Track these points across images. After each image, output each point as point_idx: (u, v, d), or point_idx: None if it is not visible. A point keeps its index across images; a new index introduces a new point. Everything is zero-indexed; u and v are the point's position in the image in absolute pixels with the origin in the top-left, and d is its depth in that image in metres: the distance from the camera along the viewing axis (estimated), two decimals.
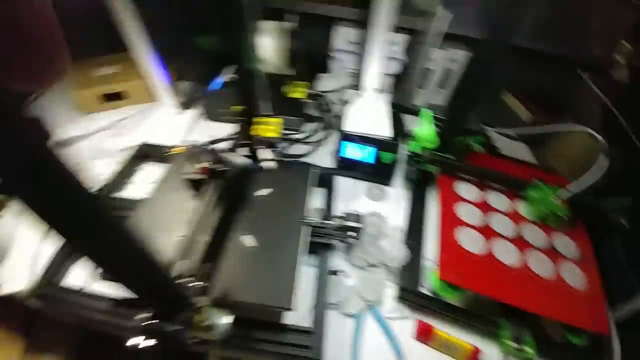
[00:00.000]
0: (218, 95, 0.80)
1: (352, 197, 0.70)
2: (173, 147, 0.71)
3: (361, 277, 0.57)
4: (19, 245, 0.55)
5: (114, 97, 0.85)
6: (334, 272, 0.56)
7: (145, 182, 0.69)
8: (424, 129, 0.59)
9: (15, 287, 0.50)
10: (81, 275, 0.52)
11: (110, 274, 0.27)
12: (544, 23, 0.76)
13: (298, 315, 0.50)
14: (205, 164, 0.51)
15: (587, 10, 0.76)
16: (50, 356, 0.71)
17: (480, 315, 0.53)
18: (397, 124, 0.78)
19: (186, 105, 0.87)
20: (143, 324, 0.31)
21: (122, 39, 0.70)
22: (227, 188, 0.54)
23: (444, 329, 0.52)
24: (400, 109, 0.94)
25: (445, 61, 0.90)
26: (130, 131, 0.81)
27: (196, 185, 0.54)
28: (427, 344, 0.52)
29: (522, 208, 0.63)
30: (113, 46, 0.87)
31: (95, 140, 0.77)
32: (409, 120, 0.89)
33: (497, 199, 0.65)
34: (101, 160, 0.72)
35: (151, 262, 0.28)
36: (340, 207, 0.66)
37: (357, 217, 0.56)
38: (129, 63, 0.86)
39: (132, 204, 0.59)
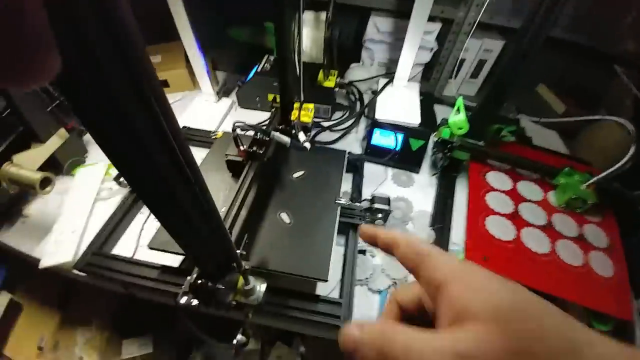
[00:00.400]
0: (252, 85, 0.84)
1: (379, 182, 0.72)
2: (216, 132, 0.77)
3: (387, 257, 0.59)
4: (63, 221, 0.60)
5: None
6: (363, 252, 0.59)
7: None
8: (456, 115, 0.60)
9: (60, 258, 0.54)
10: (128, 246, 0.58)
11: (176, 235, 0.30)
12: (580, 15, 0.74)
13: (328, 288, 0.53)
14: (244, 147, 0.55)
15: (623, 4, 0.73)
16: (84, 329, 0.79)
17: None
18: (427, 112, 0.79)
19: (222, 94, 0.92)
20: (191, 282, 0.35)
21: (163, 31, 0.75)
22: (264, 169, 0.58)
23: None
24: (431, 98, 0.94)
25: (479, 51, 0.88)
26: None
27: (235, 166, 0.58)
28: None
29: (552, 197, 0.63)
30: (158, 36, 0.94)
31: None
32: (439, 109, 0.89)
33: (527, 188, 0.64)
34: None
35: (217, 223, 0.31)
36: (368, 192, 0.69)
37: (385, 200, 0.59)
38: (170, 53, 0.92)
39: None
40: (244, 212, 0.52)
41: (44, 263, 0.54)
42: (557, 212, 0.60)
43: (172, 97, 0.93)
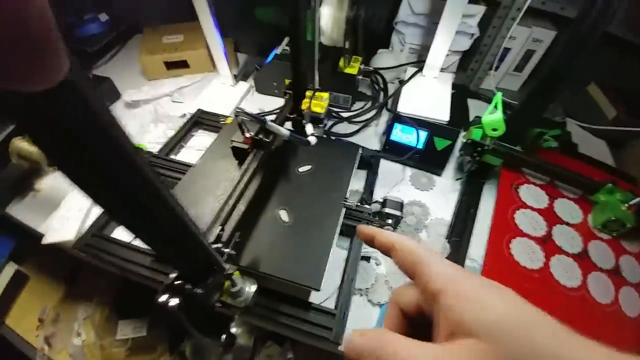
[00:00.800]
0: (270, 69, 0.79)
1: (396, 183, 0.66)
2: (226, 117, 0.74)
3: (393, 266, 0.54)
4: (71, 198, 0.61)
5: (176, 65, 0.90)
6: (367, 258, 0.54)
7: (197, 147, 0.73)
8: (492, 114, 0.52)
9: (63, 236, 0.55)
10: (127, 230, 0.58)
11: (138, 235, 0.28)
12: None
13: (324, 295, 0.49)
14: (249, 134, 0.51)
15: None
16: (85, 306, 0.81)
17: None
18: (459, 108, 0.70)
19: (240, 77, 0.89)
20: (167, 282, 0.32)
21: (189, 9, 0.72)
22: (269, 159, 0.54)
23: None
24: (466, 91, 0.84)
25: (527, 40, 0.77)
26: (189, 98, 0.85)
27: (241, 154, 0.55)
28: None
29: (591, 217, 0.53)
30: (180, 15, 0.91)
31: (157, 105, 0.83)
32: (473, 105, 0.80)
33: (566, 208, 0.55)
34: (162, 124, 0.78)
35: (183, 227, 0.28)
36: (381, 192, 0.63)
37: (397, 205, 0.53)
38: (193, 33, 0.90)
39: (184, 167, 0.63)
40: (241, 206, 0.49)
41: (47, 239, 0.55)
42: (594, 238, 0.52)
43: (191, 79, 0.91)
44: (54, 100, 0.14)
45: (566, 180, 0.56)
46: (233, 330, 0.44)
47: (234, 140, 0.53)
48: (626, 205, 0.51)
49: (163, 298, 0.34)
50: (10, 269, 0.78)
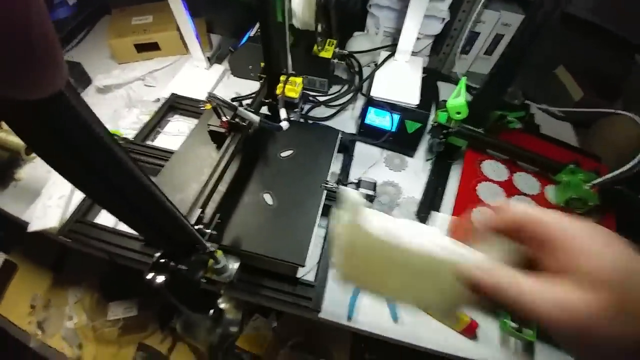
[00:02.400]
0: (245, 51, 0.79)
1: (371, 164, 0.69)
2: (205, 102, 0.73)
3: None
4: (51, 186, 0.60)
5: (147, 48, 0.87)
6: None
7: (174, 133, 0.73)
8: (456, 98, 0.55)
9: (46, 224, 0.55)
10: (111, 215, 0.58)
11: (119, 217, 0.30)
12: None
13: (304, 270, 0.53)
14: (226, 119, 0.52)
15: None
16: (74, 290, 0.83)
17: None
18: (430, 91, 0.73)
19: (214, 60, 0.87)
20: (154, 260, 0.35)
21: None
22: (246, 144, 0.56)
23: None
24: (437, 75, 0.87)
25: (497, 24, 0.80)
26: (162, 82, 0.84)
27: (218, 137, 0.56)
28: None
29: (550, 192, 0.59)
30: None
31: (130, 90, 0.81)
32: (445, 88, 0.83)
33: (524, 180, 0.61)
34: (135, 109, 0.77)
35: (162, 209, 0.30)
36: (357, 174, 0.66)
37: (370, 185, 0.56)
38: (162, 13, 0.87)
39: (162, 153, 0.63)
40: (221, 188, 0.51)
41: (32, 227, 0.55)
42: (552, 208, 0.57)
43: (162, 61, 0.89)
44: (49, 107, 0.15)
45: (528, 161, 0.61)
46: (221, 306, 0.47)
47: (211, 125, 0.54)
48: (589, 184, 0.55)
49: (150, 275, 0.36)
50: None
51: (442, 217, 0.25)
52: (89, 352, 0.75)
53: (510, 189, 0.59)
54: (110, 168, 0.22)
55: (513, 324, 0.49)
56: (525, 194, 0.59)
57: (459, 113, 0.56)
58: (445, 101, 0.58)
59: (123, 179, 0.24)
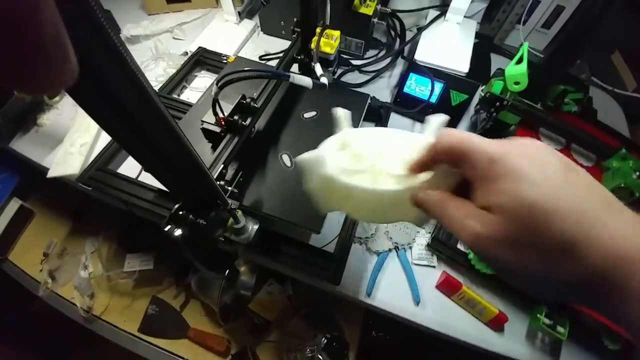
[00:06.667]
0: (278, 5, 0.73)
1: None
2: (228, 56, 0.70)
3: None
4: (77, 132, 0.59)
5: None
6: None
7: (201, 89, 0.70)
8: (516, 66, 0.48)
9: (67, 170, 0.54)
10: (134, 167, 0.57)
11: (144, 161, 0.27)
12: None
13: (325, 240, 0.50)
14: (223, 115, 0.42)
15: None
16: (92, 240, 0.83)
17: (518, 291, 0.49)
18: (481, 61, 0.65)
19: (244, 15, 0.82)
20: (172, 212, 0.33)
21: None
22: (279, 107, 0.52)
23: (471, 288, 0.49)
24: (489, 44, 0.78)
25: None
26: (190, 35, 0.80)
27: (214, 138, 0.44)
28: (448, 297, 0.50)
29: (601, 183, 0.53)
30: None
31: (158, 42, 0.78)
32: (495, 60, 0.74)
33: None
34: (162, 62, 0.74)
35: (187, 154, 0.28)
36: None
37: None
38: None
39: (187, 107, 0.61)
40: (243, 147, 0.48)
41: (52, 173, 0.55)
42: None
43: (192, 14, 0.84)
44: None
45: (583, 144, 0.54)
46: (238, 267, 0.46)
47: (205, 122, 0.42)
48: (638, 173, 0.50)
49: (168, 227, 0.34)
50: (15, 204, 0.79)
51: (436, 120, 0.24)
52: (101, 302, 0.77)
53: None
54: (141, 108, 0.21)
55: (547, 320, 0.45)
56: None
57: (517, 83, 0.49)
58: (501, 69, 0.51)
59: (152, 122, 0.23)
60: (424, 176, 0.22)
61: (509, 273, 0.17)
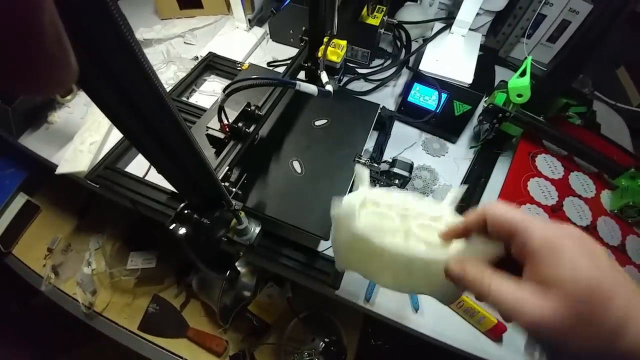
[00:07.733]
0: (287, 14, 0.75)
1: (406, 146, 0.65)
2: (242, 63, 0.71)
3: None
4: (87, 131, 0.61)
5: (190, 4, 0.86)
6: None
7: (209, 93, 0.71)
8: (520, 79, 0.49)
9: (75, 167, 0.56)
10: (141, 166, 0.58)
11: (153, 159, 0.29)
12: None
13: (326, 244, 0.51)
14: (228, 122, 0.42)
15: None
16: (97, 237, 0.84)
17: None
18: (485, 73, 0.66)
19: (255, 22, 0.84)
20: (177, 211, 0.34)
21: None
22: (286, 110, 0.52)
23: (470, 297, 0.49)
24: (494, 56, 0.79)
25: (564, 9, 0.70)
26: (201, 41, 0.82)
27: (218, 144, 0.45)
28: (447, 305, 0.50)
29: (605, 197, 0.53)
30: None
31: (169, 46, 0.80)
32: (500, 73, 0.75)
33: (580, 182, 0.54)
34: (173, 65, 0.76)
35: (194, 153, 0.29)
36: (391, 154, 0.62)
37: (406, 166, 0.52)
38: None
39: (196, 110, 0.62)
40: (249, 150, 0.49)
41: (60, 169, 0.56)
42: (604, 214, 0.51)
43: (204, 20, 0.87)
44: None
45: (588, 158, 0.54)
46: (239, 268, 0.47)
47: (210, 127, 0.43)
48: None
49: (173, 225, 0.35)
50: (21, 199, 0.80)
51: (455, 192, 0.25)
52: (103, 299, 0.77)
53: (563, 189, 0.53)
54: (153, 106, 0.22)
55: None
56: (579, 196, 0.53)
57: (520, 96, 0.49)
58: (504, 82, 0.52)
59: (163, 120, 0.24)
60: (458, 245, 0.21)
61: (562, 351, 0.17)
